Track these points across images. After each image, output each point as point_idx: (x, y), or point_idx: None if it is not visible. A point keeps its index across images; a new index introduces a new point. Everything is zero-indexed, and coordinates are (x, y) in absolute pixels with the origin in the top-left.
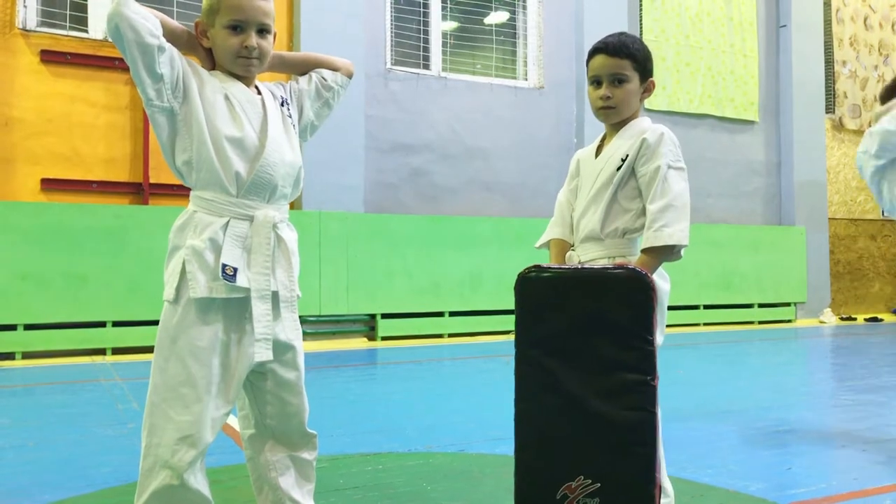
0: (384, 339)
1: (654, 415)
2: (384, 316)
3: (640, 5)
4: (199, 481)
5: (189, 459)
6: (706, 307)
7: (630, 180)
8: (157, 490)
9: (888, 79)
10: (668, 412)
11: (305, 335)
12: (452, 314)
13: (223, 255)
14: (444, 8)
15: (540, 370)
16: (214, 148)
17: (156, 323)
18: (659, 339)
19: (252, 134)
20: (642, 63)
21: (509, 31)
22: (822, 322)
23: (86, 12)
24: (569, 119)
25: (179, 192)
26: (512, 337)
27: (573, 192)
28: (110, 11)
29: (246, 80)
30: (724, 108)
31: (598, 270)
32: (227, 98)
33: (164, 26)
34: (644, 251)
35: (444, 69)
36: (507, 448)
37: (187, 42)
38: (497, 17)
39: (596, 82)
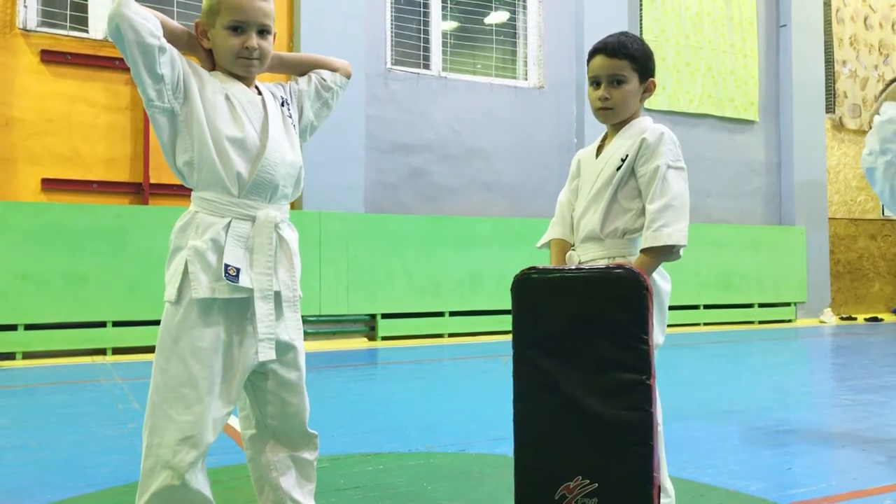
0: (384, 339)
1: (650, 414)
2: (384, 316)
3: (641, 5)
4: (200, 482)
5: (190, 460)
6: (706, 307)
7: (630, 180)
8: (159, 490)
9: (888, 78)
10: (668, 412)
11: (306, 335)
12: (452, 314)
13: (226, 256)
14: (444, 8)
15: (537, 370)
16: (216, 148)
17: (156, 323)
18: (660, 338)
19: (253, 134)
20: (642, 63)
21: (509, 31)
22: (822, 322)
23: (86, 12)
24: (569, 119)
25: (180, 192)
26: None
27: (574, 192)
28: (111, 12)
29: (246, 80)
30: (724, 107)
31: (593, 271)
32: (227, 98)
33: (165, 27)
34: (643, 251)
35: (444, 69)
36: (508, 448)
37: (187, 43)
38: (497, 16)
39: (595, 83)
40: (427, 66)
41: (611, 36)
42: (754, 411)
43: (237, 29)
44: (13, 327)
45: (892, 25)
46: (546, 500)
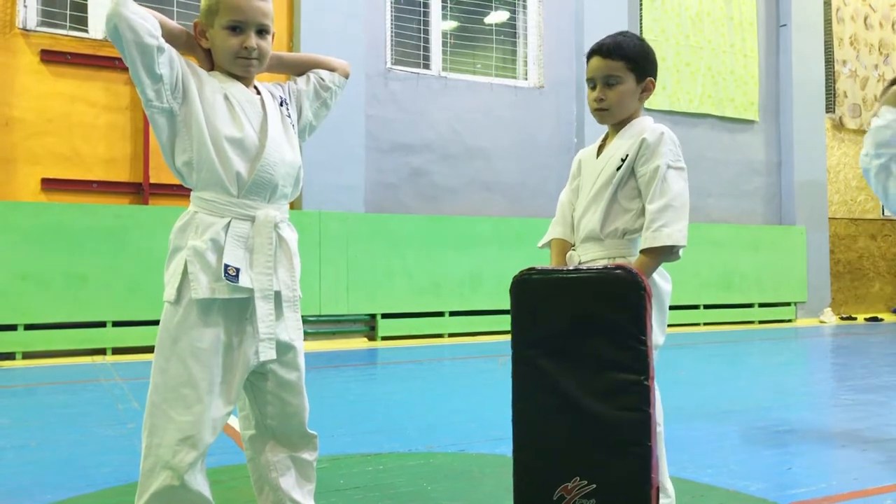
0: (384, 339)
1: (648, 415)
2: (384, 316)
3: (641, 5)
4: (199, 482)
5: (190, 460)
6: (706, 307)
7: (630, 180)
8: (158, 490)
9: (888, 78)
10: (668, 412)
11: (305, 335)
12: (452, 314)
13: (225, 256)
14: (444, 7)
15: (536, 371)
16: (215, 148)
17: (156, 323)
18: (660, 339)
19: (252, 134)
20: (638, 64)
21: (509, 31)
22: (822, 322)
23: (86, 12)
24: (569, 119)
25: (180, 192)
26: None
27: (575, 192)
28: (109, 12)
29: (245, 80)
30: (725, 107)
31: (591, 271)
32: (226, 98)
33: (163, 27)
34: (642, 251)
35: (444, 69)
36: (508, 448)
37: (186, 43)
38: (497, 16)
39: (591, 84)
40: (427, 66)
41: (608, 36)
42: (754, 411)
43: (236, 29)
44: (13, 327)
45: (893, 25)
46: (545, 500)
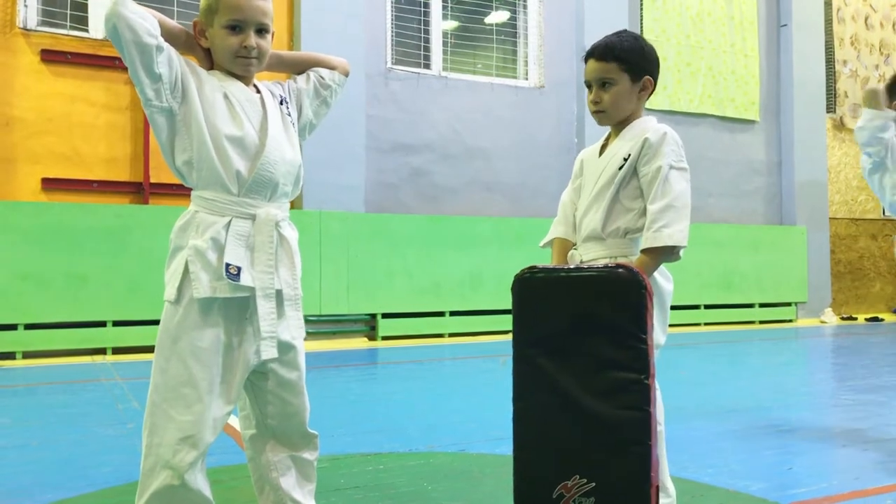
0: (385, 338)
1: (649, 414)
2: (385, 316)
3: (641, 5)
4: (199, 481)
5: (190, 460)
6: (707, 307)
7: (632, 180)
8: (158, 490)
9: (889, 78)
10: (669, 412)
11: (305, 335)
12: (453, 314)
13: (226, 255)
14: (444, 7)
15: (537, 369)
16: (215, 147)
17: (156, 323)
18: (661, 338)
19: (252, 132)
20: (632, 63)
21: (510, 31)
22: (822, 322)
23: (86, 12)
24: (569, 119)
25: (180, 191)
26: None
27: (576, 191)
28: (108, 11)
29: (245, 79)
30: (725, 107)
31: (592, 270)
32: (226, 97)
33: (162, 26)
34: (643, 251)
35: (444, 69)
36: (508, 448)
37: (185, 42)
38: (498, 16)
39: (588, 86)
40: (427, 66)
41: (603, 38)
42: (755, 411)
43: (235, 28)
44: (13, 327)
45: (893, 25)
46: (544, 498)
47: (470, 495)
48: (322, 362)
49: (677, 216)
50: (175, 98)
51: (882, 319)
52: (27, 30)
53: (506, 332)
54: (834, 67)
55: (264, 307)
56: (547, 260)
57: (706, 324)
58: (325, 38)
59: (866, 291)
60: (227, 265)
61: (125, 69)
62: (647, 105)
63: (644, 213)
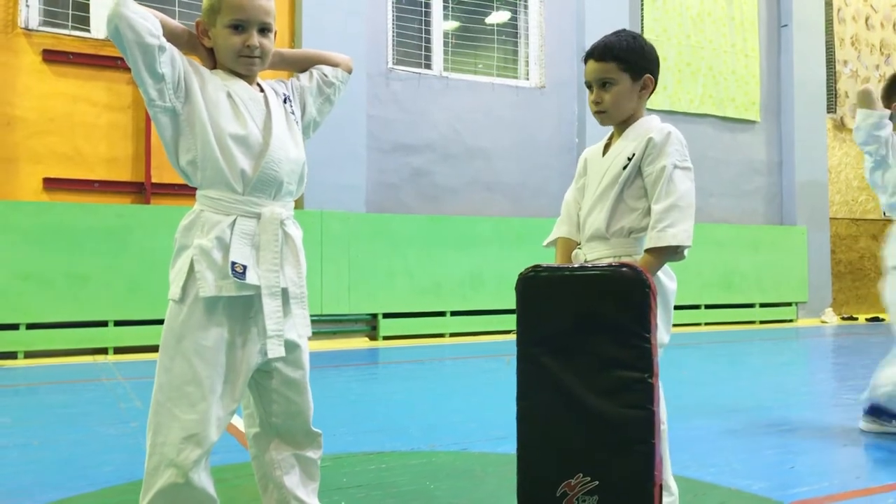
0: (386, 338)
1: (652, 413)
2: (386, 315)
3: (642, 5)
4: (204, 480)
5: (194, 458)
6: (707, 307)
7: (636, 179)
8: (163, 489)
9: (887, 79)
10: (671, 411)
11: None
12: (454, 314)
13: (232, 253)
14: (445, 7)
15: (540, 368)
16: (219, 146)
17: (157, 322)
18: (665, 337)
19: (256, 131)
20: (632, 62)
21: (511, 31)
22: (823, 322)
23: (88, 12)
24: (570, 119)
25: (181, 191)
26: (513, 336)
27: (580, 190)
28: (110, 12)
29: (248, 78)
30: (726, 107)
31: (596, 269)
32: (229, 96)
33: (164, 26)
34: (647, 251)
35: (445, 69)
36: (510, 447)
37: (188, 42)
38: (498, 16)
39: (589, 87)
40: (428, 66)
41: (601, 38)
42: (756, 410)
43: (238, 27)
44: (15, 327)
45: (894, 25)
46: (548, 497)
47: (472, 494)
48: (323, 362)
49: (682, 216)
50: (178, 98)
51: (883, 319)
52: (29, 30)
53: (506, 332)
54: (834, 67)
55: (270, 305)
56: (549, 260)
57: (707, 324)
58: (327, 36)
59: (867, 291)
60: (233, 263)
61: (127, 69)
62: (648, 105)
63: (648, 212)
